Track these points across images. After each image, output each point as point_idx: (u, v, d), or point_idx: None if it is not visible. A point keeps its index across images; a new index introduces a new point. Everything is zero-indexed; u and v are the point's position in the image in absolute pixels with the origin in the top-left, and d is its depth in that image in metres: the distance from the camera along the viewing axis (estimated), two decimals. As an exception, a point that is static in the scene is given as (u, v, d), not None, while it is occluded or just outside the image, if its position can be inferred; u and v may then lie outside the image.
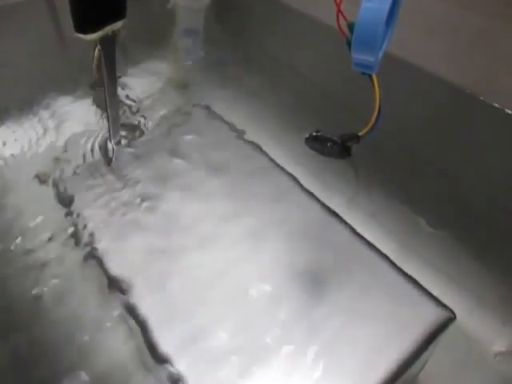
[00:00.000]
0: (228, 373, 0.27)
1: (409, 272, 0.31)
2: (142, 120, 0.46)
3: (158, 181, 0.37)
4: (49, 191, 0.40)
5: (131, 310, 0.30)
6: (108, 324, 0.32)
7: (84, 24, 0.34)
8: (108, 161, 0.39)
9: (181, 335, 0.28)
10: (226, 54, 0.57)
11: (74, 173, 0.40)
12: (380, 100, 0.37)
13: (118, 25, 0.36)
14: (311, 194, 0.36)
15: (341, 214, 0.34)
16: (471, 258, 0.37)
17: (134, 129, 0.43)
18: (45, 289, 0.34)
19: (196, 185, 0.37)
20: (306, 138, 0.44)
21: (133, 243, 0.33)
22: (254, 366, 0.27)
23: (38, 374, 0.30)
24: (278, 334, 0.28)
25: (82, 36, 0.35)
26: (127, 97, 0.49)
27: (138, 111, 0.47)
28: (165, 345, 0.28)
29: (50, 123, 0.47)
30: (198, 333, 0.28)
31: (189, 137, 0.41)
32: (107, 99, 0.38)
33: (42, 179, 0.41)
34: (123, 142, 0.40)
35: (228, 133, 0.41)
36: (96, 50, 0.39)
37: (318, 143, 0.43)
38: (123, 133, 0.40)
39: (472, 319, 0.34)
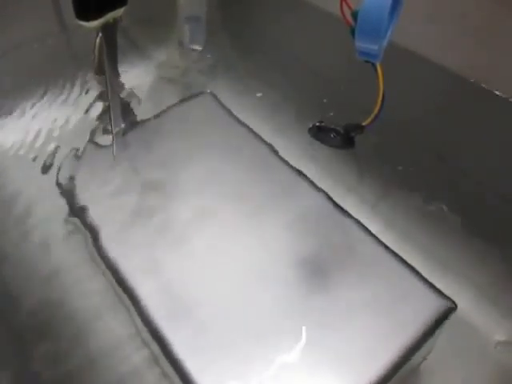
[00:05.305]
0: (227, 360, 0.27)
1: (410, 262, 0.31)
2: (144, 108, 0.46)
3: (159, 169, 0.37)
4: (49, 178, 0.40)
5: (133, 299, 0.30)
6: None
7: (85, 11, 0.34)
8: (108, 148, 0.39)
9: (182, 323, 0.28)
10: (228, 41, 0.57)
11: (76, 160, 0.39)
12: (384, 89, 0.36)
13: (120, 12, 0.36)
14: (313, 184, 0.36)
15: (343, 204, 0.34)
16: (473, 247, 0.37)
17: (135, 117, 0.43)
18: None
19: (197, 174, 0.36)
20: (309, 128, 0.44)
21: (133, 231, 0.33)
22: (253, 353, 0.27)
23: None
24: (278, 322, 0.28)
25: (83, 23, 0.35)
26: (128, 85, 0.48)
27: (139, 99, 0.47)
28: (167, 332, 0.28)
29: (51, 111, 0.47)
30: (197, 319, 0.28)
31: (191, 124, 0.41)
32: (108, 87, 0.38)
33: (43, 166, 0.41)
34: (124, 130, 0.40)
35: (230, 121, 0.41)
36: (97, 38, 0.39)
37: (321, 133, 0.43)
38: (124, 121, 0.40)
39: (473, 309, 0.34)
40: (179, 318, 0.29)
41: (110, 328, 0.33)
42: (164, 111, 0.42)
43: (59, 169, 0.39)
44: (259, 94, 0.49)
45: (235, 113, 0.41)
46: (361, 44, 0.32)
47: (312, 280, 0.30)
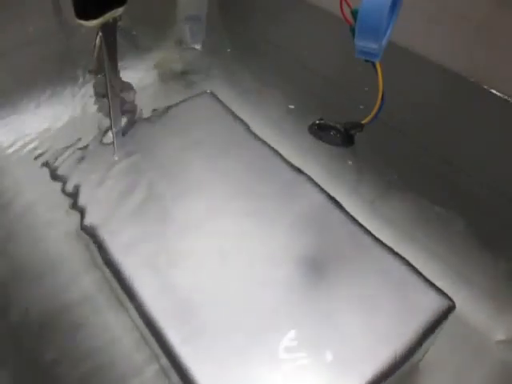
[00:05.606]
0: (227, 360, 0.27)
1: (409, 261, 0.31)
2: (144, 107, 0.46)
3: (159, 169, 0.37)
4: (49, 175, 0.40)
5: (131, 297, 0.30)
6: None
7: (85, 10, 0.34)
8: (109, 147, 0.39)
9: (183, 322, 0.28)
10: (229, 41, 0.57)
11: (77, 158, 0.39)
12: (383, 88, 0.36)
13: (119, 11, 0.36)
14: (314, 182, 0.36)
15: (343, 202, 0.34)
16: (471, 246, 0.37)
17: (134, 116, 0.43)
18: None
19: (197, 172, 0.36)
20: (309, 126, 0.44)
21: (134, 231, 0.33)
22: (253, 350, 0.27)
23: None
24: (279, 321, 0.28)
25: (83, 22, 0.35)
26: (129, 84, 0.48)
27: (139, 98, 0.47)
28: (164, 325, 0.28)
29: (52, 110, 0.47)
30: (198, 318, 0.28)
31: (191, 124, 0.41)
32: (108, 87, 0.38)
33: (44, 165, 0.41)
34: (124, 129, 0.40)
35: (230, 121, 0.41)
36: (97, 38, 0.39)
37: (321, 131, 0.43)
38: (124, 120, 0.40)
39: (472, 308, 0.34)
40: (180, 318, 0.28)
41: (109, 327, 0.33)
42: (164, 111, 0.42)
43: (61, 168, 0.39)
44: (258, 93, 0.49)
45: (235, 112, 0.41)
46: (360, 43, 0.32)
47: (312, 279, 0.30)
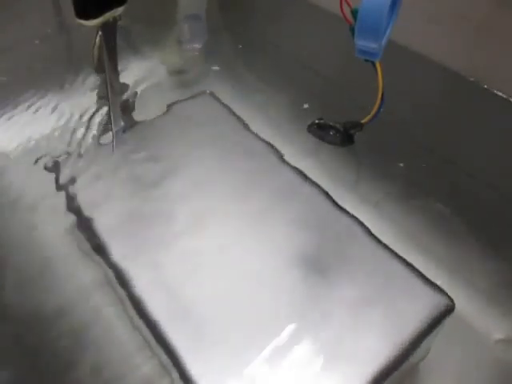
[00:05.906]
0: (227, 358, 0.27)
1: (409, 260, 0.31)
2: (143, 107, 0.46)
3: (159, 169, 0.37)
4: (51, 178, 0.40)
5: (133, 299, 0.30)
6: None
7: (85, 10, 0.34)
8: (109, 148, 0.39)
9: (182, 321, 0.28)
10: (228, 41, 0.57)
11: (76, 159, 0.40)
12: (383, 87, 0.36)
13: (119, 11, 0.36)
14: (313, 183, 0.36)
15: (343, 202, 0.34)
16: (472, 246, 0.37)
17: (134, 116, 0.43)
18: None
19: (197, 172, 0.36)
20: (309, 126, 0.44)
21: (133, 231, 0.33)
22: (252, 350, 0.27)
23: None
24: (278, 321, 0.28)
25: (83, 22, 0.35)
26: (128, 84, 0.48)
27: (139, 98, 0.47)
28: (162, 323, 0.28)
29: (52, 110, 0.47)
30: (197, 318, 0.28)
31: (191, 124, 0.41)
32: (108, 86, 0.38)
33: (45, 166, 0.41)
34: (124, 129, 0.40)
35: (230, 120, 0.41)
36: (97, 37, 0.39)
37: (320, 131, 0.43)
38: (124, 119, 0.40)
39: (472, 308, 0.34)
40: (180, 317, 0.28)
41: (108, 323, 0.33)
42: (164, 111, 0.42)
43: (60, 168, 0.39)
44: (258, 93, 0.49)
45: (235, 112, 0.41)
46: (360, 42, 0.33)
47: (311, 279, 0.30)
